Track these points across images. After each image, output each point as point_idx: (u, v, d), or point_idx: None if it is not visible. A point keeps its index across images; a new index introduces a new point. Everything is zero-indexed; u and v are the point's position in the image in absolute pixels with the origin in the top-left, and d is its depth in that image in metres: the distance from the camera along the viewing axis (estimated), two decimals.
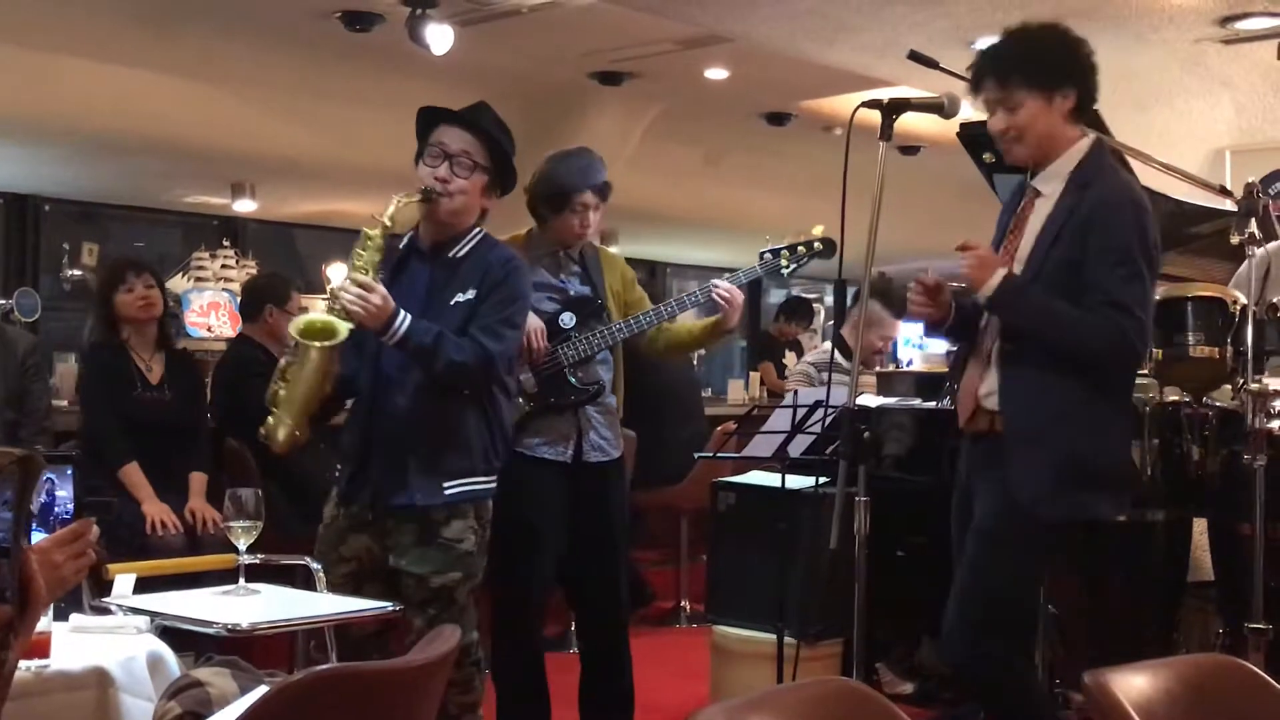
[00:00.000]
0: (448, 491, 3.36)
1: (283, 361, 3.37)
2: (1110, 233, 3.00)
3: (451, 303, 3.40)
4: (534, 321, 3.90)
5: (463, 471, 3.39)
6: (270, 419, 3.34)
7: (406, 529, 3.37)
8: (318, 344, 3.26)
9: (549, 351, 3.94)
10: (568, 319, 4.00)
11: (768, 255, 4.14)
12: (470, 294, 3.40)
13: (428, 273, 3.46)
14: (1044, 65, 3.08)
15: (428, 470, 3.35)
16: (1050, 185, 3.10)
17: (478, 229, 3.50)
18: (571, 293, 4.04)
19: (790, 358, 9.66)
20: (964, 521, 3.18)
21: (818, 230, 4.13)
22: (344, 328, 3.25)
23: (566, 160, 4.04)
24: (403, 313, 3.29)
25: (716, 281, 4.01)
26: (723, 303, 3.98)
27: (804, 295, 11.13)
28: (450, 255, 3.46)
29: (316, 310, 3.38)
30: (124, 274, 4.80)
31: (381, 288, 3.27)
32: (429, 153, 3.43)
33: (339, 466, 3.51)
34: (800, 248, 4.10)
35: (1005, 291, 3.05)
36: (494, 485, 3.48)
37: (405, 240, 3.54)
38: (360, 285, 3.26)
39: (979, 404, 3.15)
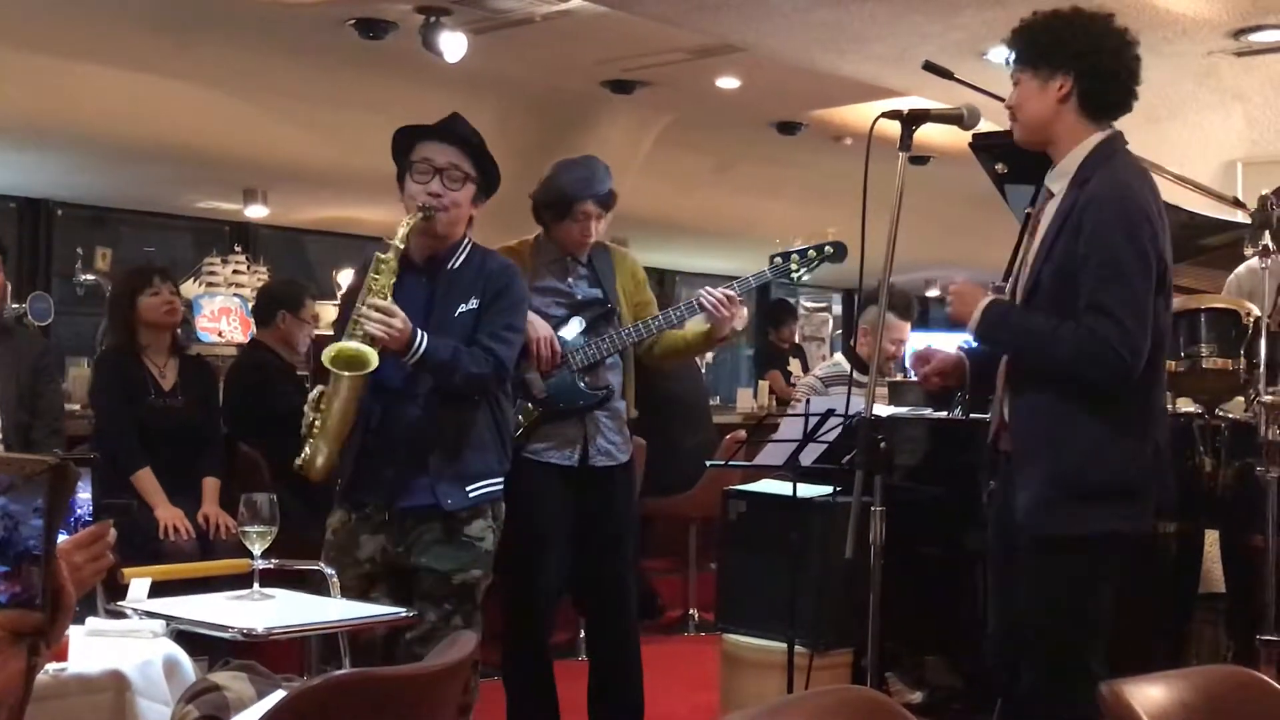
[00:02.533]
0: (472, 494, 3.42)
1: (315, 392, 3.42)
2: (1094, 232, 2.86)
3: (456, 314, 3.44)
4: (543, 329, 3.92)
5: (483, 473, 3.45)
6: (308, 448, 3.38)
7: (429, 528, 3.41)
8: (349, 374, 3.31)
9: (560, 356, 3.95)
10: (577, 323, 4.02)
11: (777, 259, 4.14)
12: (473, 304, 3.45)
13: (426, 287, 3.49)
14: (1037, 46, 2.98)
15: (450, 474, 3.40)
16: (1059, 184, 3.02)
17: (468, 239, 3.55)
18: (579, 296, 4.06)
19: (795, 365, 9.67)
20: (1000, 538, 3.12)
21: (830, 232, 4.13)
22: (374, 356, 3.30)
23: (571, 169, 4.07)
24: (420, 332, 3.33)
25: (705, 290, 4.01)
26: (710, 310, 3.98)
27: (785, 299, 11.13)
28: (448, 268, 3.50)
29: (345, 338, 3.39)
30: (150, 278, 4.84)
31: (401, 312, 3.31)
32: (417, 169, 3.46)
33: (338, 480, 3.52)
34: (811, 251, 4.10)
35: (987, 322, 2.99)
36: (504, 485, 3.53)
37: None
38: (381, 310, 3.30)
39: (1004, 421, 3.09)
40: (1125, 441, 2.93)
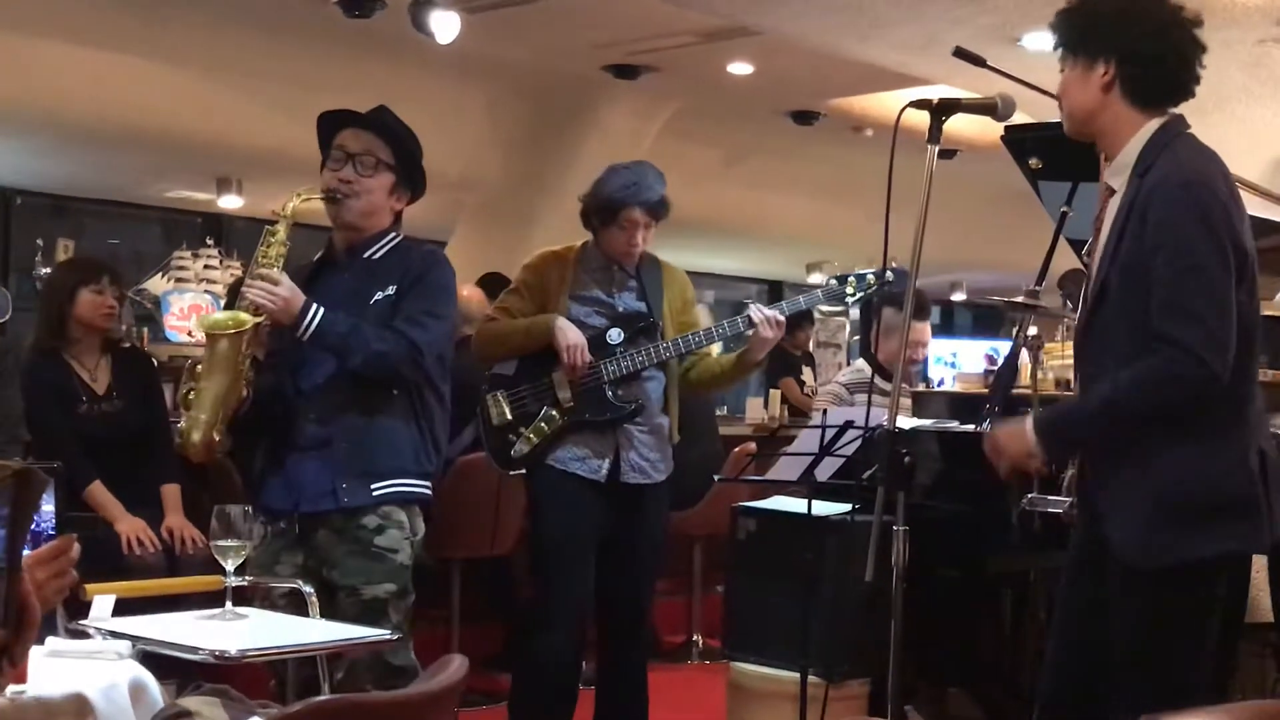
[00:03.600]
0: (376, 492, 3.44)
1: (189, 362, 3.50)
2: (1162, 221, 2.75)
3: (371, 301, 3.50)
4: (573, 336, 4.01)
5: (392, 471, 3.47)
6: (183, 423, 3.43)
7: (338, 540, 3.44)
8: (222, 333, 3.37)
9: (590, 366, 4.04)
10: (615, 335, 4.12)
11: (833, 281, 4.22)
12: (390, 290, 3.51)
13: (345, 277, 3.57)
14: (1075, 31, 2.92)
15: (354, 471, 3.43)
16: (1118, 178, 2.93)
17: (394, 233, 3.61)
18: (621, 309, 4.16)
19: (807, 373, 9.66)
20: (1079, 567, 3.03)
21: (894, 264, 4.13)
22: (250, 319, 3.38)
23: (619, 174, 4.15)
24: (314, 305, 3.40)
25: (756, 306, 4.07)
26: (759, 327, 4.03)
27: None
28: (366, 257, 3.57)
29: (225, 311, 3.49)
30: (98, 273, 4.76)
31: (287, 279, 3.40)
32: (331, 156, 3.58)
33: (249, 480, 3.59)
34: (871, 277, 4.14)
35: (1050, 441, 2.90)
36: (427, 492, 3.55)
37: (319, 254, 3.68)
38: (265, 278, 3.39)
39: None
40: (1224, 450, 2.81)
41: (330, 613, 3.39)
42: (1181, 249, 2.73)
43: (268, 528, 3.49)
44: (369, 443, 3.45)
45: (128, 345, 5.14)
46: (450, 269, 3.66)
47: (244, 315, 3.40)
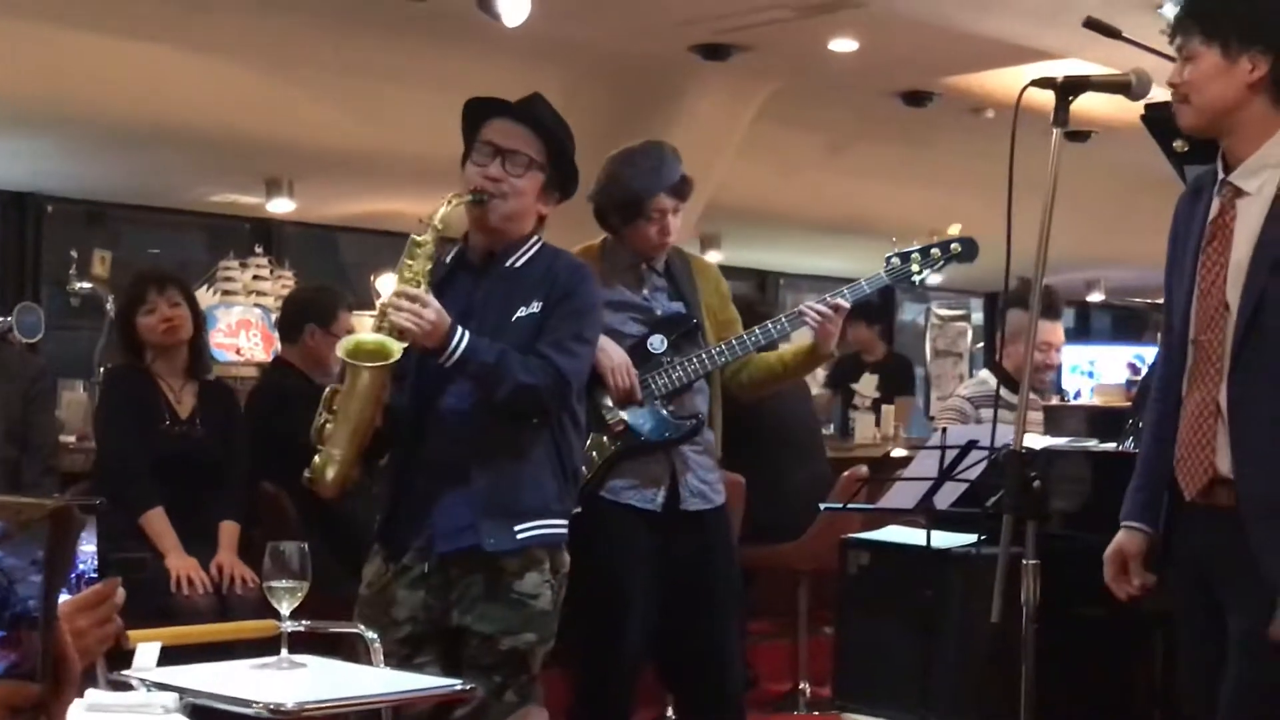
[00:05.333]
0: (520, 535, 3.42)
1: (328, 390, 3.46)
2: None
3: (513, 318, 3.48)
4: (617, 356, 3.96)
5: (536, 512, 3.45)
6: (317, 458, 3.43)
7: (473, 580, 3.43)
8: (368, 365, 3.35)
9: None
10: (658, 342, 4.06)
11: (895, 259, 4.17)
12: (535, 307, 3.48)
13: (482, 286, 3.54)
14: (1229, 14, 2.92)
15: (495, 511, 3.41)
16: (1257, 180, 2.95)
17: (536, 238, 3.59)
18: (659, 311, 4.11)
19: (867, 382, 9.38)
20: (1197, 625, 3.06)
21: (954, 229, 4.13)
22: (397, 347, 3.35)
23: (633, 160, 4.12)
24: (460, 329, 3.36)
25: (809, 304, 4.03)
26: (812, 324, 4.00)
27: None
28: (508, 265, 3.54)
29: (365, 329, 3.46)
30: (144, 292, 4.90)
31: (435, 300, 3.35)
32: (478, 150, 3.53)
33: (378, 516, 3.57)
34: (934, 250, 4.12)
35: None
36: (566, 532, 3.53)
37: (452, 253, 3.64)
38: (411, 298, 3.34)
39: (1217, 472, 2.97)
40: None
41: (452, 661, 3.40)
42: None
43: (389, 565, 3.51)
44: (512, 479, 3.43)
45: (214, 378, 5.28)
46: (597, 284, 3.64)
47: (389, 342, 3.36)
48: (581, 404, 3.60)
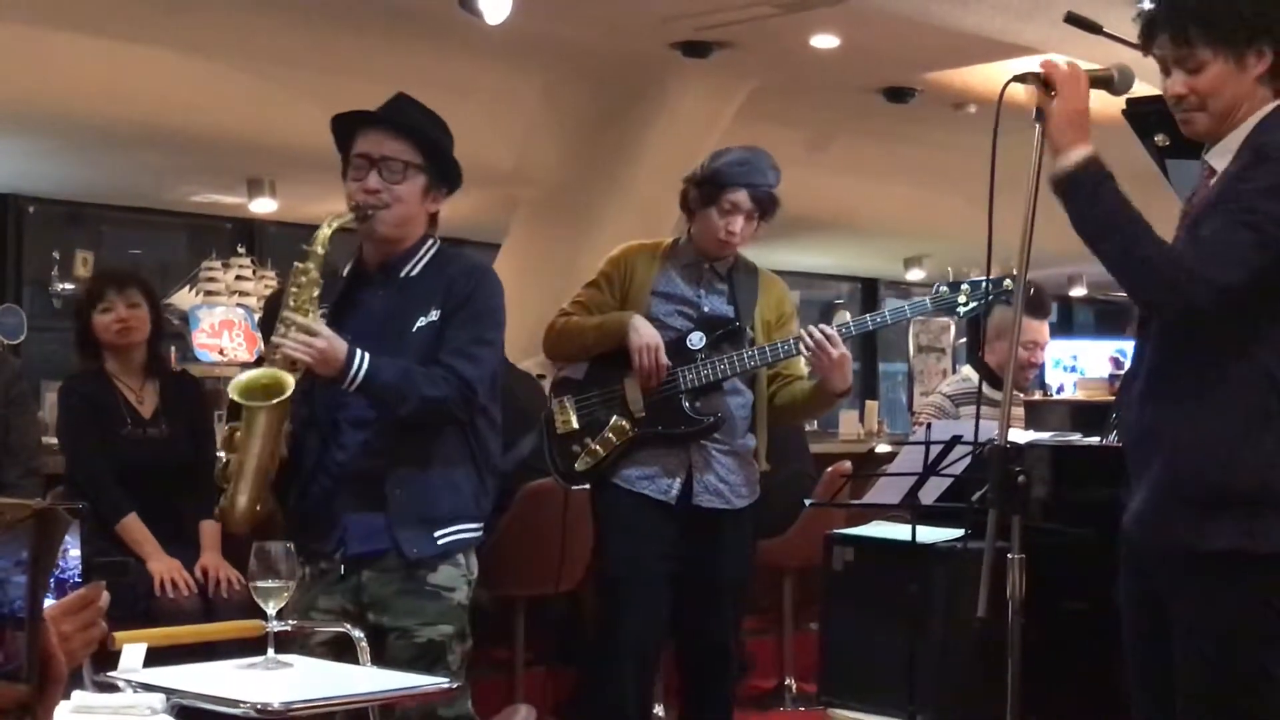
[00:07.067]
0: (441, 541, 3.45)
1: (225, 429, 3.50)
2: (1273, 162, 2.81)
3: (414, 328, 3.48)
4: (649, 336, 4.00)
5: (455, 516, 3.48)
6: (224, 500, 3.47)
7: (388, 579, 3.45)
8: (263, 405, 3.35)
9: (668, 371, 4.01)
10: (696, 339, 4.12)
11: (944, 288, 4.20)
12: (434, 315, 3.49)
13: (380, 299, 3.54)
14: (1233, 16, 2.91)
15: (412, 519, 3.43)
16: (1223, 159, 2.97)
17: (430, 240, 3.59)
18: (706, 309, 4.16)
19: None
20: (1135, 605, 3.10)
21: (1008, 282, 4.11)
22: (290, 380, 3.35)
23: (731, 153, 4.23)
24: (359, 352, 3.36)
25: (808, 329, 4.03)
26: (809, 354, 4.00)
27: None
28: (403, 276, 3.54)
29: (258, 367, 3.47)
30: (103, 291, 4.85)
31: (325, 328, 3.35)
32: (353, 165, 3.54)
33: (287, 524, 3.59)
34: (987, 284, 4.12)
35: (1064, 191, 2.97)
36: (482, 534, 3.57)
37: (348, 267, 3.64)
38: (301, 328, 3.34)
39: None
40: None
41: (378, 660, 3.41)
42: (1249, 207, 2.80)
43: (306, 569, 3.51)
44: (427, 484, 3.45)
45: (179, 370, 5.22)
46: (497, 283, 3.63)
47: (281, 375, 3.36)
48: (495, 403, 3.60)
